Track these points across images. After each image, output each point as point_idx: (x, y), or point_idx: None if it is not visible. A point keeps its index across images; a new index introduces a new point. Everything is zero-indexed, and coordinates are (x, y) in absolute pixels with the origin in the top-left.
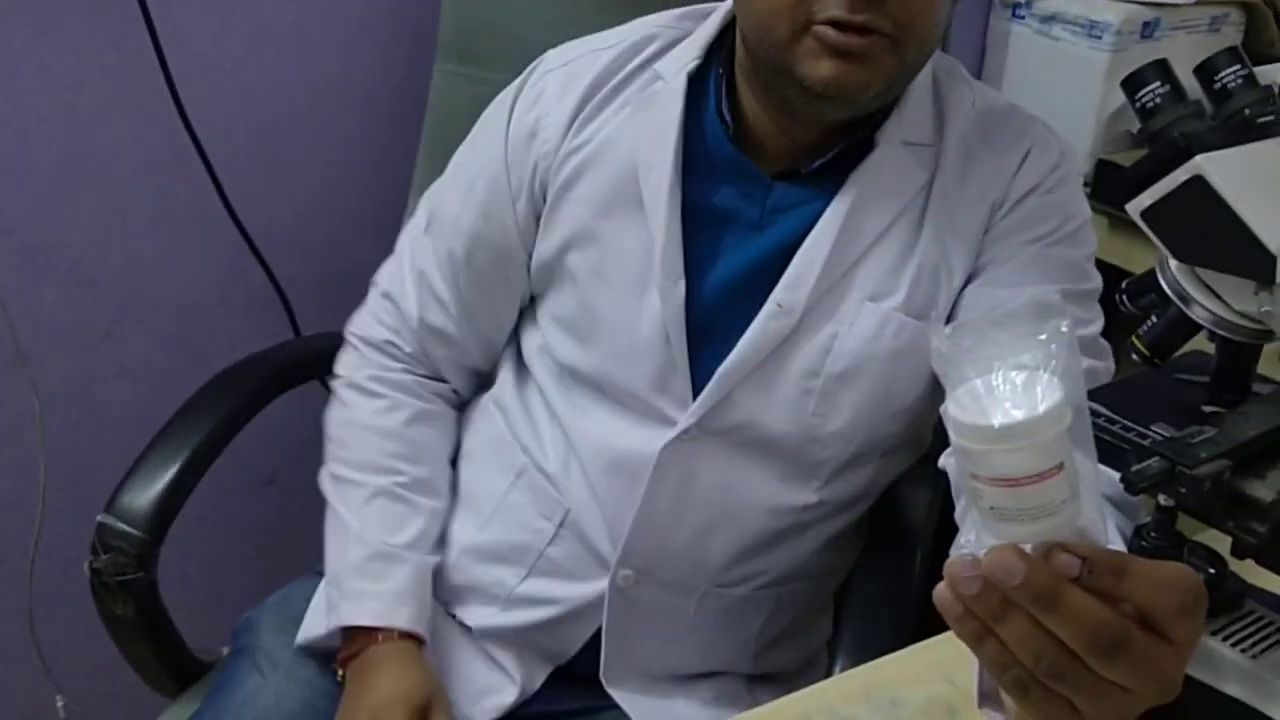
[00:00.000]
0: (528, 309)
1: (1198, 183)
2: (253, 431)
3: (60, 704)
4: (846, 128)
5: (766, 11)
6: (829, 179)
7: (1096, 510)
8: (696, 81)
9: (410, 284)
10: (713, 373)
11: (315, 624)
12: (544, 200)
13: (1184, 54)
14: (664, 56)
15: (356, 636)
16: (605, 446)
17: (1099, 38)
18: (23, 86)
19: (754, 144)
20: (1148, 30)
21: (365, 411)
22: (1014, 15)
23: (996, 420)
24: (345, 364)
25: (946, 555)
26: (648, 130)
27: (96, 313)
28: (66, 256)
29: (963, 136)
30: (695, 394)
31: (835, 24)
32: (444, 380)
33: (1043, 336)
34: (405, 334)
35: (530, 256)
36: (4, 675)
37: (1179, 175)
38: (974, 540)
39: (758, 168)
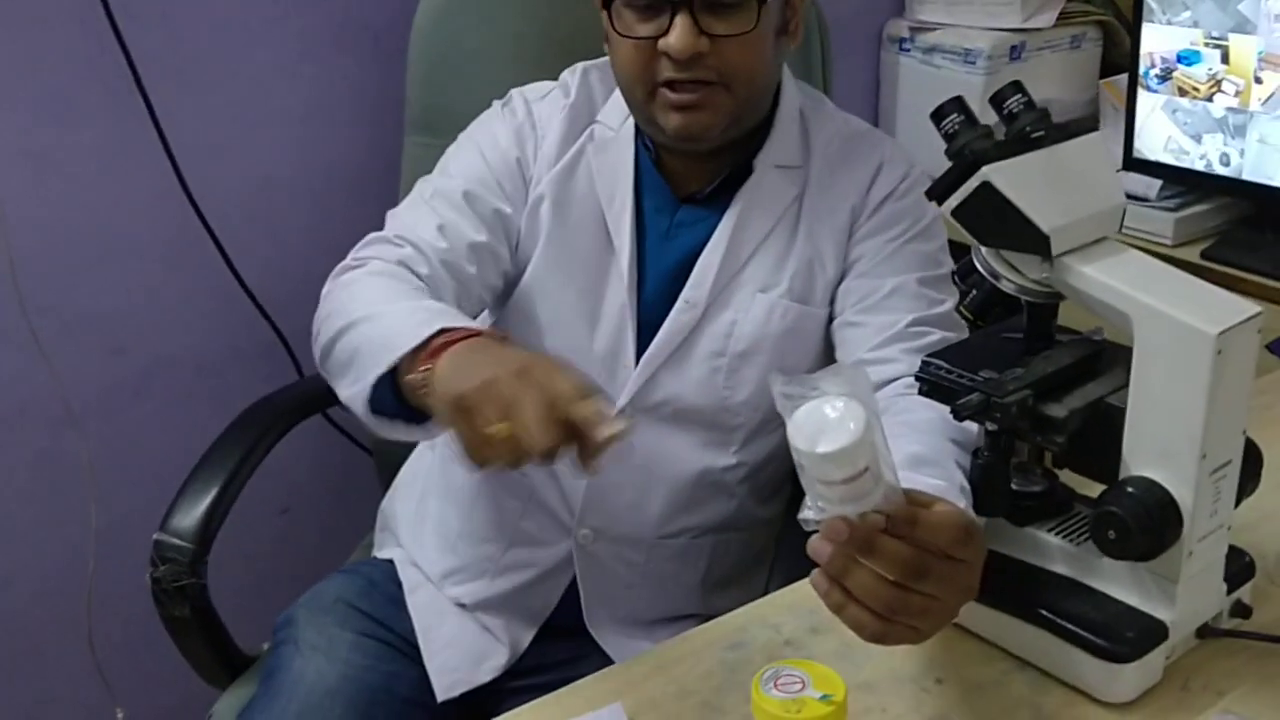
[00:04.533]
0: (496, 322)
1: (986, 187)
2: (266, 467)
3: (121, 716)
4: (729, 156)
5: (626, 80)
6: (720, 199)
7: (893, 473)
8: None
9: (423, 219)
10: (638, 360)
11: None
12: (525, 192)
13: (1051, 71)
14: (601, 109)
15: (428, 351)
16: None
17: (974, 63)
18: (51, 190)
19: (666, 174)
20: (1015, 53)
21: (365, 275)
22: (901, 49)
23: (820, 448)
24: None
25: None
26: (611, 167)
27: (127, 375)
28: (100, 329)
29: (827, 157)
30: None
31: (671, 84)
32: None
33: (848, 378)
34: (417, 259)
35: (512, 229)
36: (70, 692)
37: (972, 183)
38: (814, 510)
39: (671, 193)
